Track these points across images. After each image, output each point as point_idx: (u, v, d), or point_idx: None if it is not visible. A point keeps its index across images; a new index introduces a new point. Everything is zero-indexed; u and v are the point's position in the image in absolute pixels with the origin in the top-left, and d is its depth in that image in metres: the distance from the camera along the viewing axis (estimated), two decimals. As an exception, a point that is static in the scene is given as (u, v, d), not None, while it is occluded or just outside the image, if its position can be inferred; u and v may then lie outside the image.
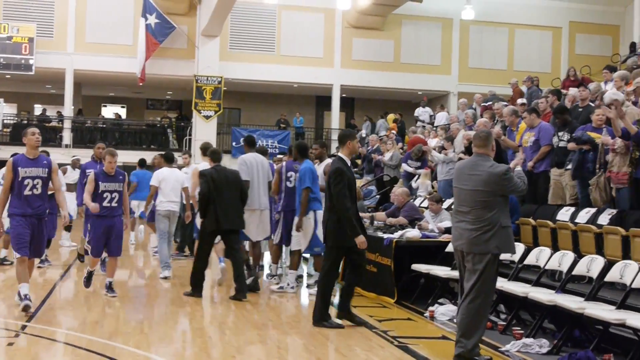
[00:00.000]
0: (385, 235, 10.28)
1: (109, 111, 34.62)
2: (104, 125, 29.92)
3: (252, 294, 10.22)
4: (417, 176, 15.40)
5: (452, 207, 11.93)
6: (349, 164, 8.24)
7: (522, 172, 6.88)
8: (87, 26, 26.84)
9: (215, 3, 22.81)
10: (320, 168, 10.70)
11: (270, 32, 28.58)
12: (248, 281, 10.33)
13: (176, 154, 14.36)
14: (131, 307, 9.25)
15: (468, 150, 12.11)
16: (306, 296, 10.58)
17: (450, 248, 9.73)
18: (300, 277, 11.70)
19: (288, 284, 10.52)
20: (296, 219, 10.22)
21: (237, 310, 9.31)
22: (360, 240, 7.90)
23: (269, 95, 31.94)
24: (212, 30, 26.01)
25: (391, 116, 25.74)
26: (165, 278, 11.58)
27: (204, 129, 26.65)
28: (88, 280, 10.02)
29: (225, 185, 9.98)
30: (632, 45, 21.49)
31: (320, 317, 8.13)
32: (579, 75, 18.15)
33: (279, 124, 29.85)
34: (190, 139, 27.39)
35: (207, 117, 27.16)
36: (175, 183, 11.92)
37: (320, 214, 9.95)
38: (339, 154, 8.31)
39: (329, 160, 10.87)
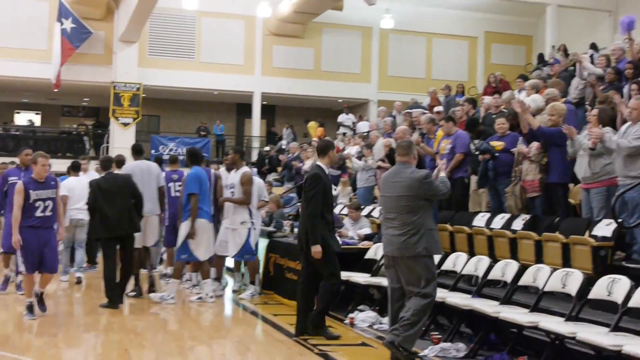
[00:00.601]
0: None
1: (22, 118, 33.59)
2: (17, 133, 29.05)
3: (171, 305, 10.10)
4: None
5: (375, 214, 12.11)
6: (327, 172, 8.31)
7: (445, 177, 7.10)
8: (-2, 30, 26.00)
9: (133, 8, 22.42)
10: (236, 176, 10.67)
11: (190, 39, 28.29)
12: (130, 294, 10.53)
13: (94, 162, 14.12)
14: (46, 320, 8.96)
15: (388, 158, 12.28)
16: (229, 304, 10.51)
17: (370, 255, 9.85)
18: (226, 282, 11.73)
19: (207, 294, 10.42)
20: (184, 226, 10.20)
21: (154, 321, 9.16)
22: (315, 249, 7.91)
23: (189, 102, 31.60)
24: (130, 36, 25.57)
25: (312, 124, 25.84)
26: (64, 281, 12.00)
27: (122, 137, 26.12)
28: (31, 311, 8.92)
29: (117, 192, 9.99)
30: (540, 57, 22.13)
31: (319, 324, 8.07)
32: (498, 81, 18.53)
33: (199, 131, 29.55)
34: (107, 147, 26.85)
35: (125, 125, 26.67)
36: (82, 191, 11.76)
37: (202, 222, 10.07)
38: (318, 162, 8.39)
39: (245, 169, 10.87)
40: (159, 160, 11.78)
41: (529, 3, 28.00)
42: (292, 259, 10.34)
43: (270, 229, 12.25)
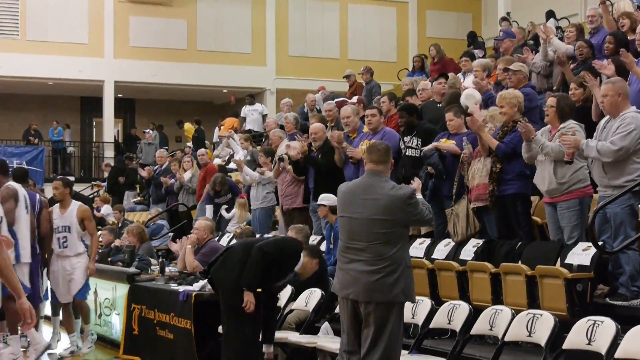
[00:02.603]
0: (181, 288, 10.19)
1: None
2: None
3: None
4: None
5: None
6: None
7: (423, 199, 7.11)
8: None
9: None
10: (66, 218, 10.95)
11: (12, 10, 27.75)
12: None
13: None
14: None
15: (297, 168, 12.30)
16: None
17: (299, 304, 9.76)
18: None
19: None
20: None
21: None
22: (247, 297, 7.90)
23: (13, 97, 30.91)
24: None
25: (189, 125, 25.70)
26: None
27: None
28: None
29: None
30: (471, 35, 22.55)
31: None
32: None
33: (28, 137, 28.95)
34: None
35: None
36: None
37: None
38: None
39: (77, 205, 11.04)
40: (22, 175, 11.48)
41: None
42: (164, 311, 10.23)
43: (132, 270, 12.07)
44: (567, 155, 8.09)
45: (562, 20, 21.77)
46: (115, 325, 11.90)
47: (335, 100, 16.40)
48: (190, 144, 24.49)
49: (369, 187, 6.81)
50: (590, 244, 7.81)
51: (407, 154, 10.79)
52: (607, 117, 8.14)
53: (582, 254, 7.89)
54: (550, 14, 21.47)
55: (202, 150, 18.75)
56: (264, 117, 23.40)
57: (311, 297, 9.26)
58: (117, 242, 13.90)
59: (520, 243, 8.93)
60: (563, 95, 8.97)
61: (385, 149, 7.00)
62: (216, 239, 12.51)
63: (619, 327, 6.12)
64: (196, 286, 10.16)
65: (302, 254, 8.46)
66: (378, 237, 6.60)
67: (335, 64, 28.78)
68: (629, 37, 11.04)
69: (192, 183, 17.09)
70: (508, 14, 25.81)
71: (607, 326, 6.16)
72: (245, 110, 24.32)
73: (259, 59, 30.58)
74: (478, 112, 9.69)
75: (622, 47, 10.17)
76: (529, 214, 9.38)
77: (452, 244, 9.67)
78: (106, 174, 24.63)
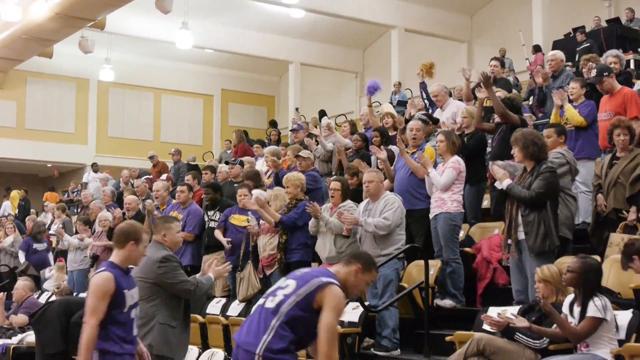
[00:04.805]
0: (0, 342, 9.72)
1: None
2: None
3: None
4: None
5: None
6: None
7: None
8: None
9: None
10: None
11: None
12: None
13: None
14: None
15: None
16: None
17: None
18: None
19: None
20: None
21: None
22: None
23: None
24: None
25: (14, 194, 24.72)
26: None
27: None
28: None
29: None
30: (272, 123, 22.80)
31: None
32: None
33: None
34: None
35: None
36: None
37: None
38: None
39: None
40: None
41: (270, 60, 29.20)
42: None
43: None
44: (345, 231, 8.33)
45: (340, 116, 22.44)
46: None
47: (144, 177, 16.41)
48: (11, 212, 23.49)
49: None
50: (358, 303, 7.98)
51: (210, 225, 10.78)
52: (367, 199, 8.41)
53: (352, 312, 8.05)
54: (322, 113, 22.24)
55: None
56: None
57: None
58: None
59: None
60: (342, 179, 9.19)
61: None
62: (35, 296, 12.05)
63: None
64: (14, 339, 9.76)
65: None
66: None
67: (148, 145, 28.49)
68: (390, 133, 11.47)
69: (15, 247, 16.42)
70: (297, 109, 26.52)
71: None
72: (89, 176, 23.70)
73: (81, 138, 29.97)
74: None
75: (385, 140, 10.64)
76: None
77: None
78: None
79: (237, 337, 4.96)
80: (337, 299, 4.84)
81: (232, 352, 5.13)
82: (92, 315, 5.26)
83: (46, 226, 17.16)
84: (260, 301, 5.10)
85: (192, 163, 19.93)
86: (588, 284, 5.97)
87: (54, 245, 15.94)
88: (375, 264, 5.27)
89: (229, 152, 19.34)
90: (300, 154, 10.76)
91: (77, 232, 14.45)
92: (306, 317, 4.83)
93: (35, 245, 15.52)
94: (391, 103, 17.93)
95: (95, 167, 23.71)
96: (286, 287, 4.96)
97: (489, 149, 9.64)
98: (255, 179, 11.25)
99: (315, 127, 12.42)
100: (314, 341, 4.90)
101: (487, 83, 9.42)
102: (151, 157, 19.98)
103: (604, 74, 8.91)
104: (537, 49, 19.35)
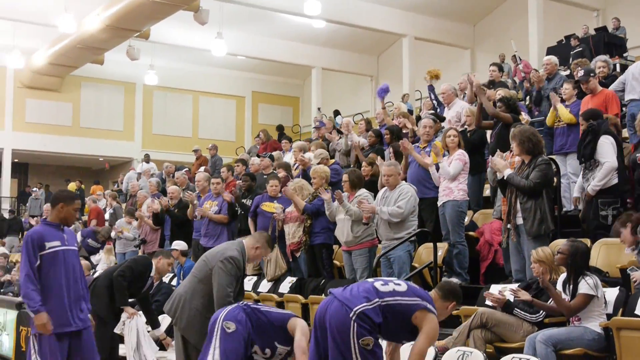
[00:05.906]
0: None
1: None
2: None
3: None
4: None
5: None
6: None
7: None
8: None
9: None
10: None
11: None
12: None
13: None
14: None
15: (155, 219, 12.09)
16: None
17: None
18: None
19: None
20: None
21: None
22: (127, 311, 7.70)
23: None
24: None
25: (72, 186, 24.85)
26: None
27: None
28: None
29: None
30: (280, 128, 22.52)
31: None
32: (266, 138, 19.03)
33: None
34: None
35: None
36: None
37: None
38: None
39: None
40: None
41: (294, 65, 29.18)
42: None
43: (20, 299, 11.52)
44: (365, 219, 8.32)
45: (357, 115, 22.42)
46: (5, 343, 11.31)
47: (184, 169, 16.47)
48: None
49: None
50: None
51: (241, 213, 10.81)
52: (385, 188, 8.40)
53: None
54: (336, 112, 22.51)
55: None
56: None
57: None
58: (7, 277, 13.29)
59: (324, 280, 9.05)
60: (352, 170, 9.20)
61: None
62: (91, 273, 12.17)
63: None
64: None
65: (154, 262, 8.19)
66: None
67: (188, 141, 28.51)
68: (403, 131, 11.44)
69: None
70: (319, 108, 26.46)
71: (475, 357, 5.54)
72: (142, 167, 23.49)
73: (128, 135, 30.05)
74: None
75: (397, 138, 10.61)
76: (332, 259, 9.52)
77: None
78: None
79: (337, 291, 4.97)
80: (434, 331, 4.88)
81: (323, 301, 5.04)
82: None
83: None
84: (370, 280, 5.15)
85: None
86: (576, 264, 5.95)
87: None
88: (461, 298, 5.31)
89: (257, 147, 19.39)
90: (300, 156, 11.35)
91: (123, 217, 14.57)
92: (398, 317, 4.86)
93: (91, 242, 15.53)
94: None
95: (147, 158, 23.71)
96: (399, 285, 4.98)
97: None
98: (287, 169, 11.42)
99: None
100: (393, 347, 5.19)
101: (478, 91, 9.60)
102: (195, 151, 20.08)
103: (590, 74, 9.12)
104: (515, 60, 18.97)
